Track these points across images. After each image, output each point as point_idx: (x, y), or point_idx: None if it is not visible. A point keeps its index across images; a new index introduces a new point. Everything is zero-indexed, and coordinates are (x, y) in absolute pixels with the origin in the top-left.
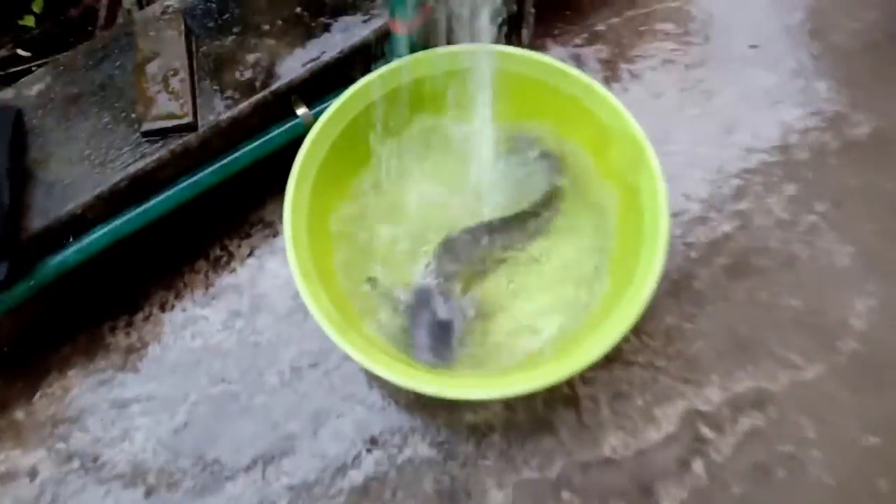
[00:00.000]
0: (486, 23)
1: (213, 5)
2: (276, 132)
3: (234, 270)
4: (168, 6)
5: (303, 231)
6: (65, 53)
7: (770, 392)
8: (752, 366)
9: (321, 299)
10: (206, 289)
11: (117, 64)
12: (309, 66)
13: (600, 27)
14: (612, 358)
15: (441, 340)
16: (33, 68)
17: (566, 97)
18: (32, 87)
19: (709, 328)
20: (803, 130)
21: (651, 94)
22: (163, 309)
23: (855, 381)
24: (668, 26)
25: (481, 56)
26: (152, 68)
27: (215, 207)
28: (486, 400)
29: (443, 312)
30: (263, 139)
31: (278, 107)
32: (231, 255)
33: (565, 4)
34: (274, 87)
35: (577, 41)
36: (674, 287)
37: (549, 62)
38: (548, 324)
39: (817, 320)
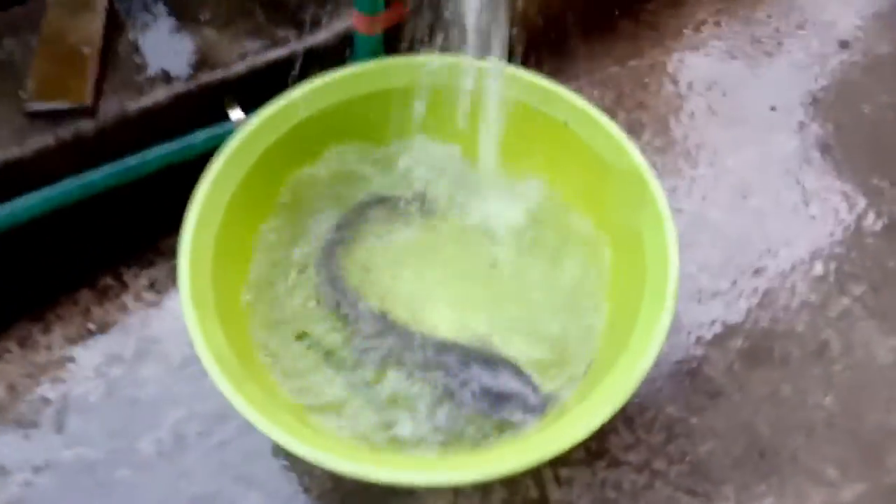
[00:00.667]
0: (473, 32)
1: None
2: (201, 136)
3: (123, 306)
4: None
5: (207, 253)
6: None
7: None
8: (777, 478)
9: (214, 338)
10: (83, 325)
11: (24, 41)
12: (249, 62)
13: (599, 75)
14: (598, 452)
15: None
16: None
17: (556, 126)
18: None
19: (721, 426)
20: (828, 201)
21: (654, 149)
22: (21, 344)
23: None
24: (677, 79)
25: (460, 70)
26: (57, 45)
27: (114, 224)
28: (420, 486)
29: None
30: (183, 142)
31: (207, 106)
32: (124, 286)
33: (561, 48)
34: (203, 80)
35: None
36: (678, 371)
37: (538, 81)
38: None
39: (855, 426)
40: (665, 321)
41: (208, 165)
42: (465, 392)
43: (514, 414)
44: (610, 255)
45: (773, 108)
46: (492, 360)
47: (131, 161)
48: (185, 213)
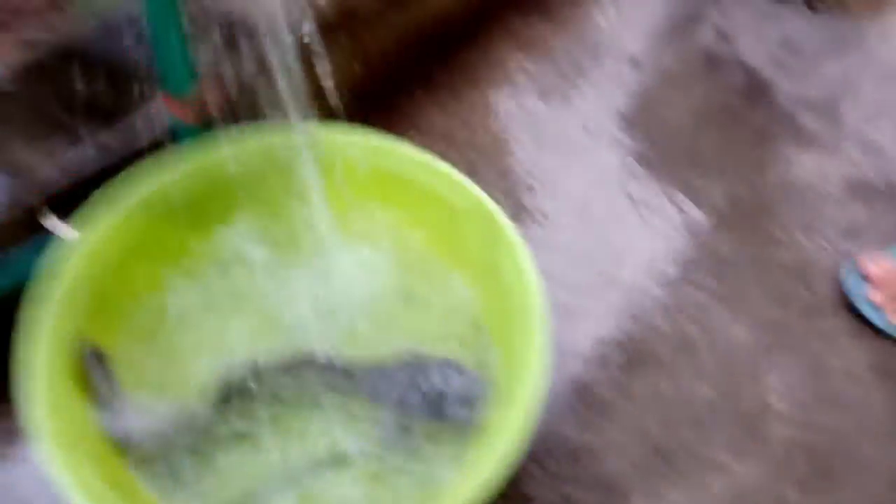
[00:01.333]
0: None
1: None
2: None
3: None
4: None
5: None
6: None
7: None
8: (677, 476)
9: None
10: None
11: None
12: (71, 173)
13: (427, 123)
14: (509, 496)
15: None
16: None
17: (405, 184)
18: None
19: (619, 438)
20: (658, 206)
21: (493, 185)
22: None
23: (799, 476)
24: (498, 118)
25: (292, 139)
26: None
27: None
28: None
29: None
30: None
31: (26, 223)
32: None
33: (386, 102)
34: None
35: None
36: (567, 392)
37: (370, 140)
38: None
39: (734, 406)
40: (538, 364)
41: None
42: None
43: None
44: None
45: (587, 131)
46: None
47: None
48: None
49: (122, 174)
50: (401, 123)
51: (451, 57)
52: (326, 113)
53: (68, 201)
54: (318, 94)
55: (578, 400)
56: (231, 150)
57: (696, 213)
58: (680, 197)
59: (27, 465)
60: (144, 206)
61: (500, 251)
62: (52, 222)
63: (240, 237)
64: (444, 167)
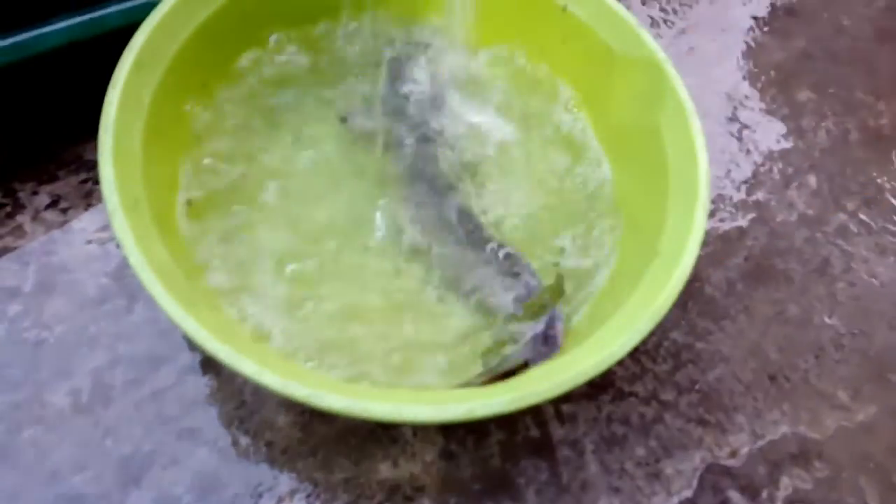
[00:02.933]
0: None
1: None
2: (113, 8)
3: (19, 227)
4: None
5: (134, 150)
6: None
7: (815, 441)
8: (789, 404)
9: (153, 249)
10: None
11: None
12: None
13: None
14: (601, 385)
15: None
16: None
17: (552, 11)
18: None
19: (729, 350)
20: (819, 113)
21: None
22: None
23: None
24: None
25: None
26: None
27: (2, 126)
28: (395, 421)
29: None
30: (89, 14)
31: None
32: (18, 205)
33: None
34: None
35: None
36: (684, 295)
37: None
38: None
39: (862, 345)
40: (701, 218)
41: (128, 45)
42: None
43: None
44: (613, 158)
45: (754, 18)
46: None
47: (20, 37)
48: (105, 99)
49: None
50: None
51: None
52: None
53: None
54: None
55: (692, 303)
56: None
57: (855, 132)
58: (842, 109)
59: (77, 237)
60: None
61: (664, 114)
62: None
63: None
64: (612, 3)
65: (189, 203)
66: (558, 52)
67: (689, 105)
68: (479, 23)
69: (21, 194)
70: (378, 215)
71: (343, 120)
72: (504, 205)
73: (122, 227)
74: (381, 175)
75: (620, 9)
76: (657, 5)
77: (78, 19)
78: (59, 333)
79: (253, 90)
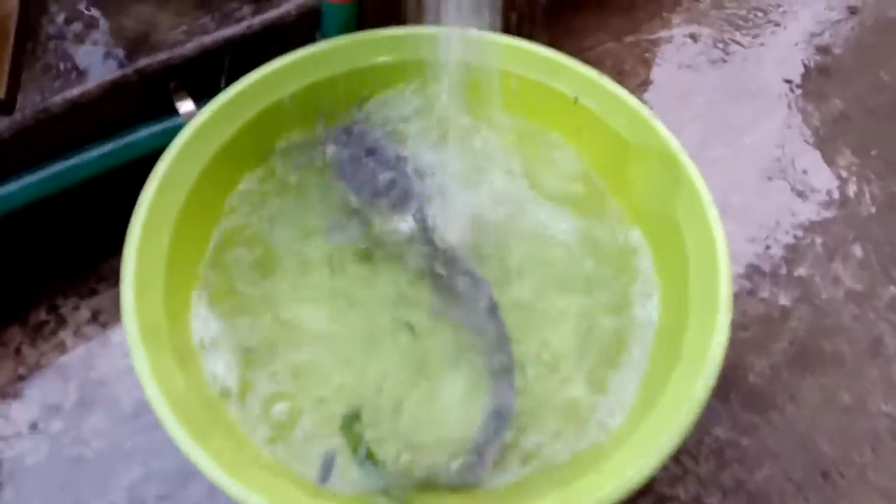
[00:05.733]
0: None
1: None
2: (143, 133)
3: (61, 344)
4: None
5: (157, 274)
6: None
7: None
8: (846, 502)
9: (170, 378)
10: (14, 370)
11: None
12: (199, 42)
13: (596, 51)
14: (640, 490)
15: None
16: None
17: (562, 102)
18: None
19: (776, 445)
20: (861, 177)
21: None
22: None
23: None
24: (682, 55)
25: (448, 42)
26: None
27: (44, 246)
28: None
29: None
30: (122, 141)
31: (150, 96)
32: (61, 321)
33: (551, 22)
34: (142, 64)
35: None
36: (720, 382)
37: (540, 51)
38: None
39: None
40: (723, 320)
41: (153, 169)
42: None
43: None
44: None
45: (787, 81)
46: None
47: (60, 166)
48: (128, 228)
49: (260, 53)
50: (567, 48)
51: None
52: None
53: (195, 72)
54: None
55: (734, 392)
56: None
57: None
58: (885, 172)
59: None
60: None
61: (681, 204)
62: (184, 103)
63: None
64: (624, 94)
65: (205, 329)
66: (575, 140)
67: (706, 196)
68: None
69: (63, 310)
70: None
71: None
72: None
73: (140, 359)
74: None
75: (632, 99)
76: (688, 71)
77: (111, 146)
78: (97, 449)
79: (263, 205)
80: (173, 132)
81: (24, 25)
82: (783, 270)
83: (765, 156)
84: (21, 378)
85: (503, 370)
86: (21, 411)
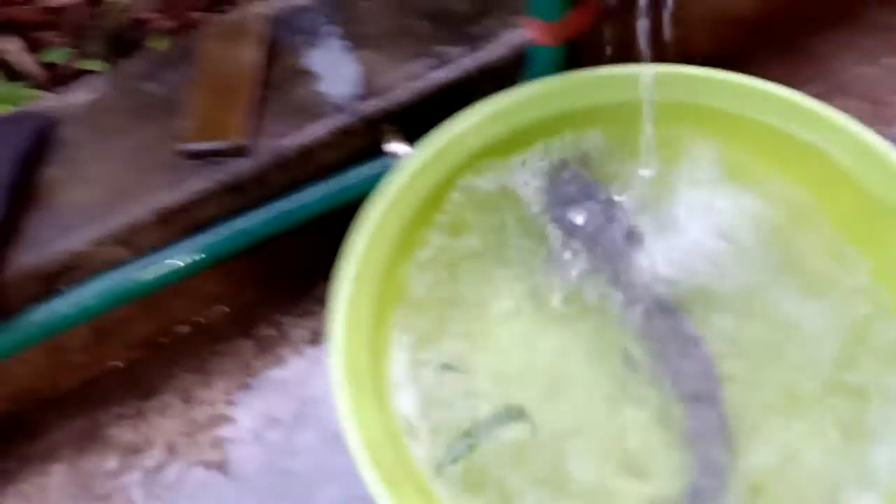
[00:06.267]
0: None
1: (311, 12)
2: (363, 172)
3: (281, 359)
4: (254, 12)
5: (364, 312)
6: (125, 59)
7: None
8: None
9: (370, 426)
10: (244, 380)
11: (181, 75)
12: (415, 86)
13: (845, 76)
14: None
15: None
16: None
17: (807, 153)
18: (77, 95)
19: None
20: None
21: None
22: (186, 399)
23: None
24: None
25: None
26: (213, 79)
27: (270, 269)
28: None
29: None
30: (342, 182)
31: (369, 138)
32: (284, 337)
33: (789, 43)
34: (365, 111)
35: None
36: None
37: (778, 93)
38: None
39: None
40: None
41: (365, 207)
42: None
43: None
44: None
45: None
46: None
47: (291, 204)
48: (339, 267)
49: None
50: (802, 75)
51: None
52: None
53: (413, 119)
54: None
55: None
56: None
57: None
58: None
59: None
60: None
61: None
62: (397, 145)
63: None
64: (874, 140)
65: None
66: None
67: None
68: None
69: (286, 328)
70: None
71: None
72: None
73: (343, 402)
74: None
75: (889, 151)
76: None
77: (333, 186)
78: (305, 464)
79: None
80: (383, 173)
81: (265, 74)
82: None
83: None
84: (249, 387)
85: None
86: (246, 419)
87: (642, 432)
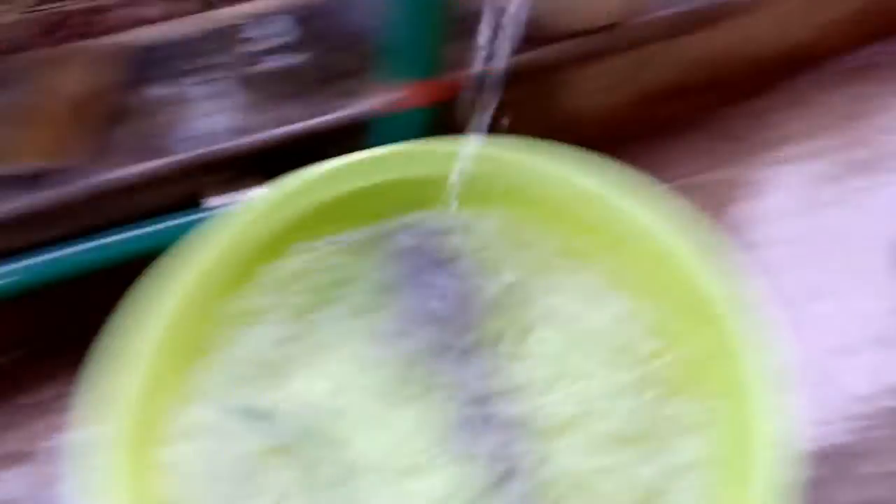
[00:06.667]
0: None
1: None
2: (173, 223)
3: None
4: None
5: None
6: None
7: None
8: None
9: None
10: None
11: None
12: (249, 139)
13: (693, 179)
14: None
15: None
16: None
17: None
18: None
19: None
20: None
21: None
22: None
23: None
24: (764, 202)
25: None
26: (29, 104)
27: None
28: None
29: None
30: (155, 228)
31: (186, 187)
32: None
33: (647, 144)
34: (182, 157)
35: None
36: None
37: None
38: None
39: None
40: None
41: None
42: None
43: None
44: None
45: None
46: None
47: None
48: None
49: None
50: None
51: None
52: None
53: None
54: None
55: None
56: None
57: None
58: None
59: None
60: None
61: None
62: (216, 195)
63: None
64: (694, 233)
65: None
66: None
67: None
68: None
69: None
70: None
71: None
72: None
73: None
74: None
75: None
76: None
77: (144, 231)
78: None
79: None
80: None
81: (96, 102)
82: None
83: (873, 325)
84: None
85: None
86: None
87: None
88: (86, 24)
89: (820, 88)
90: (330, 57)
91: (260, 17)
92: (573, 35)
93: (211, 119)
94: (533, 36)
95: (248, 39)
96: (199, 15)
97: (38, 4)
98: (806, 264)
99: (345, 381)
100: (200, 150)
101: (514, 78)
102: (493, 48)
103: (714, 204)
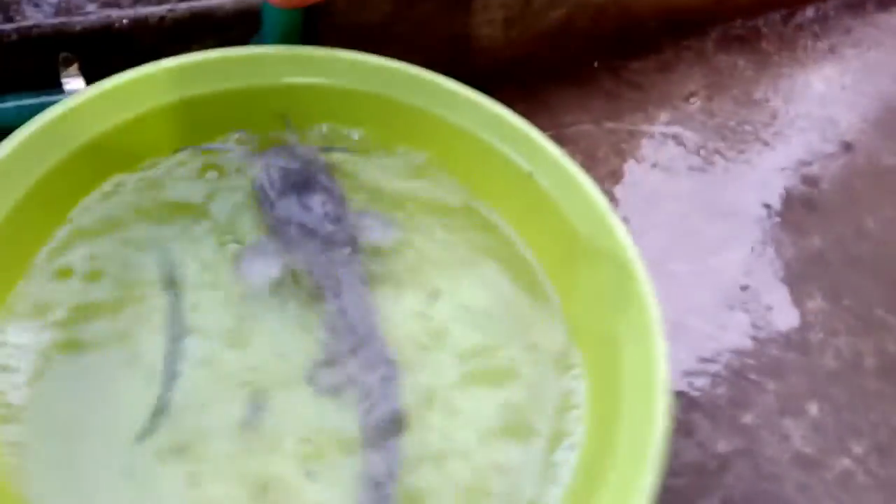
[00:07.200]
0: None
1: None
2: (14, 103)
3: None
4: None
5: None
6: None
7: None
8: None
9: None
10: None
11: None
12: (105, 14)
13: (570, 130)
14: None
15: None
16: None
17: (513, 177)
18: None
19: None
20: (829, 328)
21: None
22: None
23: None
24: (658, 153)
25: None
26: None
27: None
28: None
29: None
30: None
31: (35, 64)
32: None
33: (529, 92)
34: (27, 24)
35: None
36: None
37: (502, 114)
38: None
39: None
40: (648, 482)
41: None
42: None
43: None
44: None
45: (766, 206)
46: None
47: None
48: None
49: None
50: (540, 122)
51: (620, 61)
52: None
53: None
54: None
55: None
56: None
57: (871, 358)
58: (857, 328)
59: None
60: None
61: (626, 325)
62: (73, 79)
63: None
64: (586, 182)
65: None
66: (523, 220)
67: (658, 325)
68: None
69: None
70: None
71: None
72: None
73: None
74: None
75: (592, 189)
76: (663, 173)
77: None
78: None
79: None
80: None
81: None
82: (727, 414)
83: (729, 282)
84: None
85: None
86: None
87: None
88: None
89: (727, 48)
90: None
91: None
92: None
93: None
94: None
95: None
96: None
97: None
98: (673, 223)
99: None
100: (55, 21)
101: None
102: None
103: (603, 153)
